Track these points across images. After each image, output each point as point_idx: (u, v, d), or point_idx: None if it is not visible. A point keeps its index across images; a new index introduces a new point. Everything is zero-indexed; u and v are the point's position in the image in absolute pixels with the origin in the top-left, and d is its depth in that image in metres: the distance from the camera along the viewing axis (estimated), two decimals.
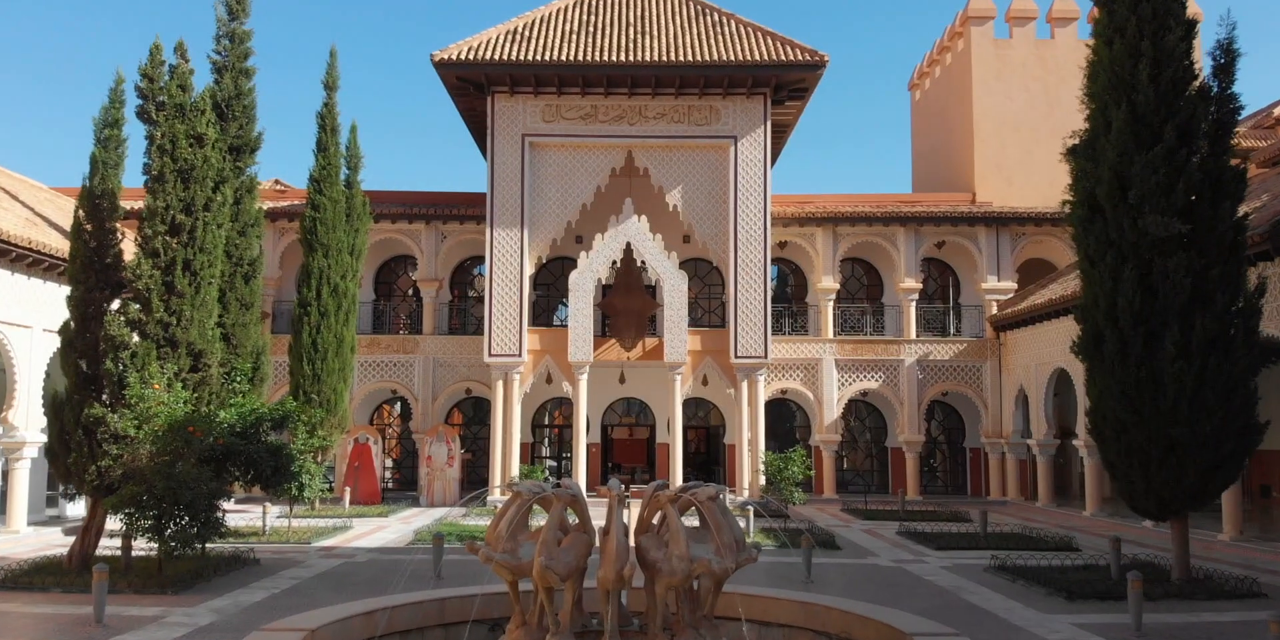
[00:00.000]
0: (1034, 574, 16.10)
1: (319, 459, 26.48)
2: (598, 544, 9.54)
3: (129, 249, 18.61)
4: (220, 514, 15.38)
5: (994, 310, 31.87)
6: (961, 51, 36.59)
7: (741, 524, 23.98)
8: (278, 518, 23.83)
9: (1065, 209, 17.55)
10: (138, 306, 15.79)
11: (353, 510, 26.42)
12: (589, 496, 27.16)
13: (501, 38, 28.94)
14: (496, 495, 27.52)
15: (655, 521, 9.94)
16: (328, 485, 31.98)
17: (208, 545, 16.44)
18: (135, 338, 15.60)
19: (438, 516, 25.86)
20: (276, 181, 37.64)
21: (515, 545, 9.30)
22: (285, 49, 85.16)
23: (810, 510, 26.87)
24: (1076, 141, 17.41)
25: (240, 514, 25.66)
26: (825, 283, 31.77)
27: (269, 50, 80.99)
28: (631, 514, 17.84)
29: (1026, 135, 35.24)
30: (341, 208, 27.04)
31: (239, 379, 18.71)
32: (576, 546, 9.28)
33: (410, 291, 34.19)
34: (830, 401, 31.40)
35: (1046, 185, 34.63)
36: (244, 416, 17.22)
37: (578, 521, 9.81)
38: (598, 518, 9.95)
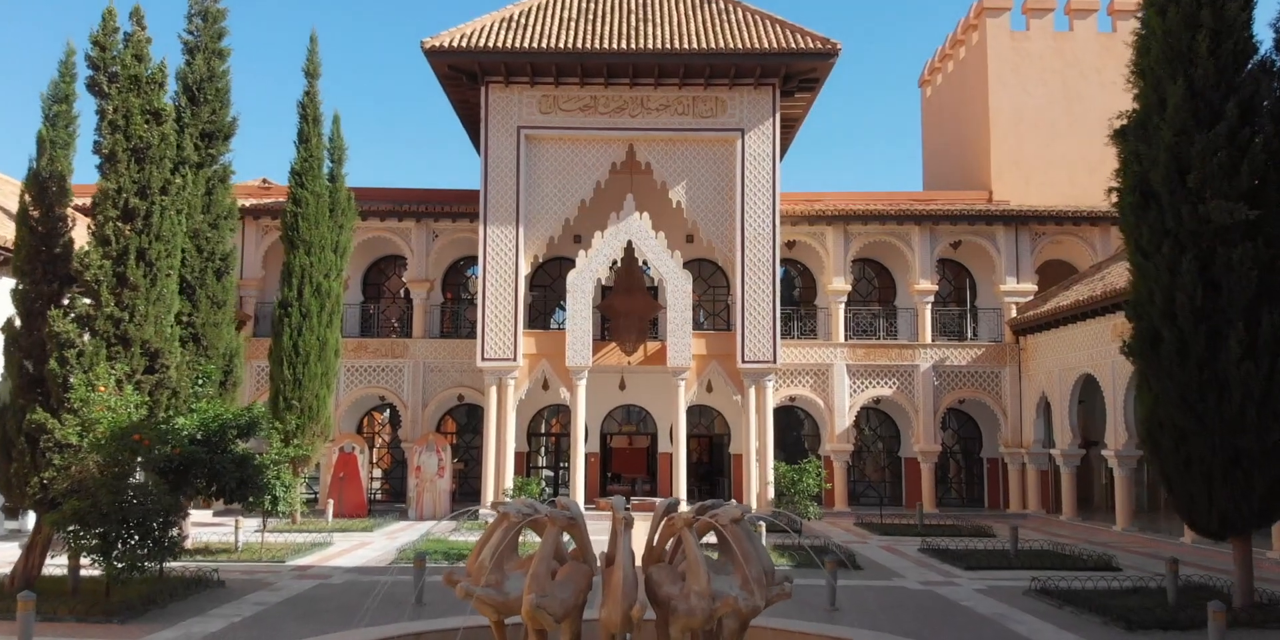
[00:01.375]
0: (1082, 599, 14.52)
1: (299, 470, 24.92)
2: (599, 576, 7.97)
3: (84, 239, 17.02)
4: (176, 532, 13.76)
5: (1013, 313, 30.31)
6: (976, 45, 35.13)
7: None
8: (255, 532, 22.24)
9: (1111, 197, 16.02)
10: (87, 301, 14.21)
11: (336, 524, 24.79)
12: (587, 510, 25.54)
13: (496, 25, 27.43)
14: (489, 508, 25.87)
15: (668, 548, 8.36)
16: (312, 496, 30.45)
17: (169, 564, 14.89)
18: (85, 336, 14.00)
19: (426, 531, 24.23)
20: (264, 180, 36.07)
21: (501, 577, 7.72)
22: (278, 45, 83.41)
23: (822, 525, 25.25)
24: (1124, 122, 15.87)
25: (215, 528, 24.05)
26: (836, 284, 30.20)
27: (261, 48, 79.49)
28: (635, 530, 16.21)
29: (1045, 131, 33.75)
30: (325, 202, 25.47)
31: (201, 382, 17.10)
32: (574, 579, 7.69)
33: (401, 293, 32.62)
34: (841, 409, 29.81)
35: (1066, 183, 33.27)
36: (207, 423, 15.61)
37: (575, 548, 8.23)
38: (598, 533, 8.36)
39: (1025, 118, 33.80)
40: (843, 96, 78.58)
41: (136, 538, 13.01)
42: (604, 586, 7.62)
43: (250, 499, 16.70)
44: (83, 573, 14.35)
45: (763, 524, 19.10)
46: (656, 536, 8.43)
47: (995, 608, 14.37)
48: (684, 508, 8.95)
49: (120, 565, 12.84)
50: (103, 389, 13.02)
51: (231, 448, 16.06)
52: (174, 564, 16.43)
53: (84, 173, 15.28)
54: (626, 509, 8.41)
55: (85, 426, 12.88)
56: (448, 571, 8.14)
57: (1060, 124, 33.77)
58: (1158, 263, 14.34)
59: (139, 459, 13.69)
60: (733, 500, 25.77)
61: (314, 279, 24.97)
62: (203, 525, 24.90)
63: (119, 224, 13.98)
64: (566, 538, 8.28)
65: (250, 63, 78.03)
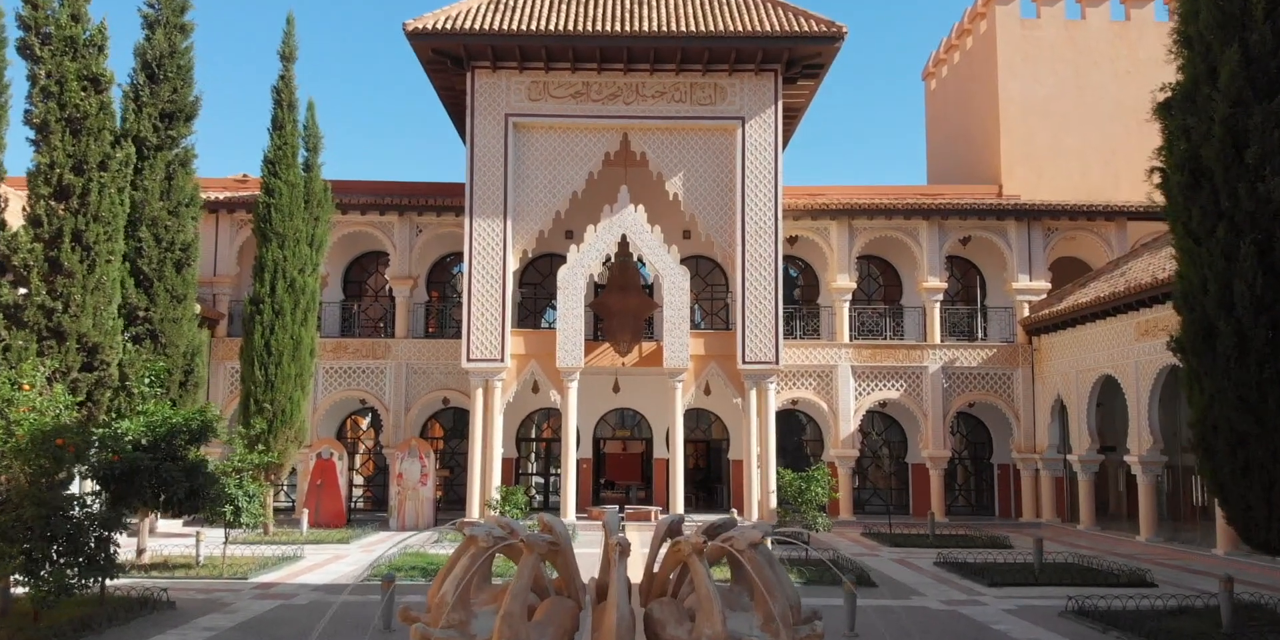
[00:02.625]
0: (1126, 621, 13.06)
1: (272, 477, 23.40)
2: (587, 612, 6.49)
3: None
4: (114, 549, 12.23)
5: (1026, 312, 28.86)
6: (985, 33, 33.74)
7: None
8: (226, 543, 20.71)
9: (1153, 178, 14.57)
10: (20, 290, 12.69)
11: (311, 535, 23.26)
12: (579, 519, 24.04)
13: (483, 7, 25.95)
14: (476, 517, 24.37)
15: (672, 577, 6.87)
16: (290, 504, 28.90)
17: (114, 582, 13.38)
18: (13, 328, 12.48)
19: (405, 543, 22.67)
20: (244, 175, 34.46)
21: (466, 616, 6.23)
22: (262, 38, 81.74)
23: (829, 535, 23.75)
24: (1167, 95, 14.44)
25: (184, 539, 22.46)
26: (840, 281, 28.73)
27: (243, 40, 77.95)
28: (633, 560, 14.68)
29: (1056, 122, 32.33)
30: (300, 193, 24.02)
31: (148, 381, 15.56)
32: (556, 619, 6.20)
33: (385, 290, 31.04)
34: (846, 412, 28.32)
35: (1079, 176, 31.89)
36: (154, 427, 14.08)
37: (557, 577, 6.75)
38: (590, 547, 6.89)
39: (1036, 108, 32.39)
40: (844, 90, 76.61)
41: (67, 555, 11.47)
42: (593, 628, 6.14)
43: (202, 511, 15.12)
44: (16, 591, 12.83)
45: (771, 536, 17.61)
46: (659, 564, 6.94)
47: (1031, 632, 12.90)
48: (689, 526, 7.48)
49: (46, 587, 11.30)
50: (27, 387, 11.49)
51: (183, 454, 14.51)
52: (124, 581, 14.95)
53: (21, 150, 13.79)
54: (621, 526, 6.92)
55: (6, 430, 11.35)
56: (403, 607, 6.64)
57: (1072, 115, 32.37)
58: (1211, 248, 12.92)
59: (79, 467, 12.17)
60: (734, 510, 24.30)
61: (287, 274, 23.51)
62: (170, 536, 23.35)
63: (52, 203, 12.52)
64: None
65: (232, 55, 76.47)
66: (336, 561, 19.32)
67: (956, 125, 36.33)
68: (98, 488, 14.22)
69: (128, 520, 13.18)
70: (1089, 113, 32.45)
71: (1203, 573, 19.13)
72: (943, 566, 19.00)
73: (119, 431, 13.44)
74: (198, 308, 25.46)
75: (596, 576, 7.02)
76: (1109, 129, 32.41)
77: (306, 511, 24.11)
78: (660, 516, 26.33)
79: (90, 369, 12.99)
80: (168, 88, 18.56)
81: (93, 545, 11.91)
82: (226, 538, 17.90)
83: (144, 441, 13.74)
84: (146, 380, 15.24)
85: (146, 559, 18.53)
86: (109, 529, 12.04)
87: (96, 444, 13.02)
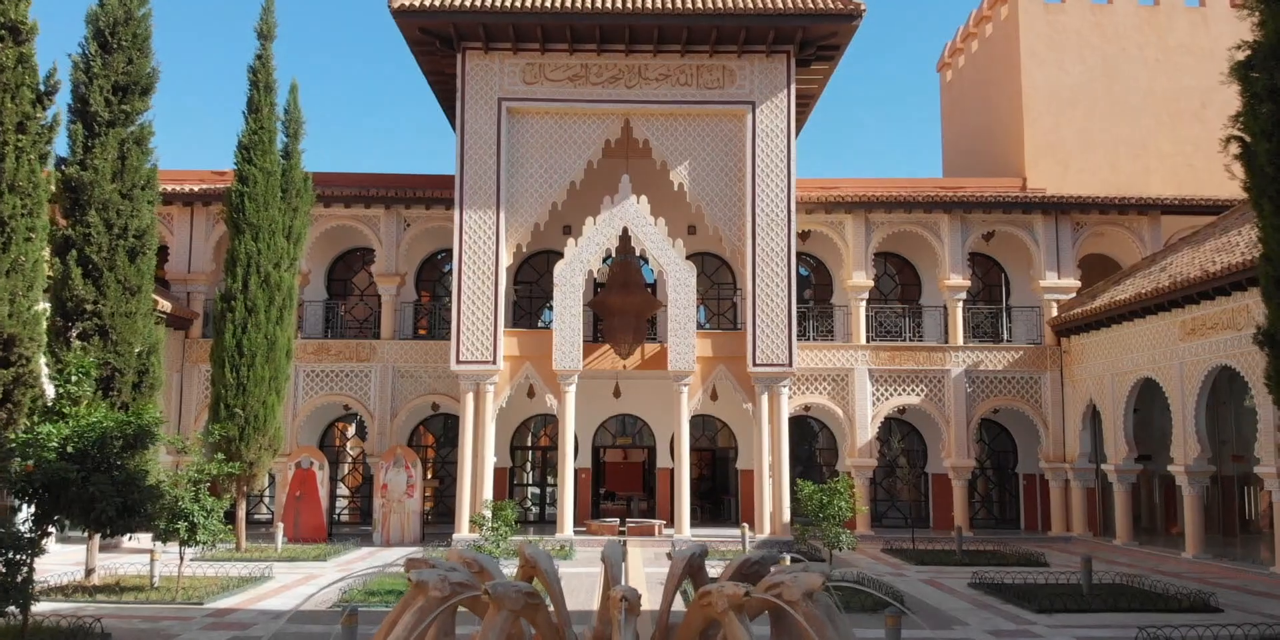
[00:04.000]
0: None
1: (245, 488, 21.60)
2: None
3: None
4: (26, 571, 10.39)
5: (1054, 312, 27.05)
6: (1006, 19, 32.00)
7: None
8: (182, 563, 18.89)
9: (1230, 149, 12.78)
10: None
11: (286, 551, 21.44)
12: (577, 533, 22.18)
13: None
14: (464, 533, 22.52)
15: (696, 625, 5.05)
16: (270, 517, 27.05)
17: (43, 608, 11.59)
18: None
19: (388, 561, 20.85)
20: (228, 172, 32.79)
21: None
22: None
23: (846, 552, 21.88)
24: (1246, 54, 12.66)
25: (140, 555, 20.60)
26: (856, 279, 26.91)
27: (230, 34, 76.05)
28: (631, 564, 12.87)
29: (1082, 113, 30.59)
30: (277, 181, 22.27)
31: (74, 379, 13.73)
32: None
33: (372, 288, 29.18)
34: (863, 419, 26.47)
35: (1108, 169, 30.19)
36: (81, 433, 12.26)
37: (535, 635, 4.93)
38: (588, 565, 5.06)
39: (1061, 98, 30.63)
40: (853, 84, 74.16)
41: None
42: None
43: (139, 530, 13.30)
44: None
45: (786, 558, 15.75)
46: (668, 589, 5.10)
47: None
48: (684, 547, 5.66)
49: None
50: None
51: (119, 464, 12.68)
52: (63, 606, 13.20)
53: None
54: (622, 542, 5.09)
55: None
56: None
57: (1100, 105, 30.62)
58: None
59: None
60: (744, 525, 22.44)
61: (262, 268, 21.74)
62: (138, 552, 21.50)
63: None
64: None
65: (220, 52, 74.75)
66: (308, 583, 17.48)
67: (975, 118, 34.57)
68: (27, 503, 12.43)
69: (48, 541, 11.38)
70: (1117, 103, 30.72)
71: (1266, 594, 17.33)
72: (979, 588, 17.15)
73: (39, 437, 11.63)
74: (167, 305, 23.75)
75: (595, 627, 5.21)
76: (1138, 120, 30.68)
77: (282, 526, 22.25)
78: (663, 530, 24.50)
79: (7, 364, 11.22)
80: (121, 58, 16.77)
81: (3, 569, 10.09)
82: (182, 557, 16.05)
83: (70, 449, 11.96)
84: (74, 378, 13.41)
85: (96, 580, 16.71)
86: (20, 551, 10.21)
87: (17, 452, 11.24)
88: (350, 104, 77.42)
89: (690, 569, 5.52)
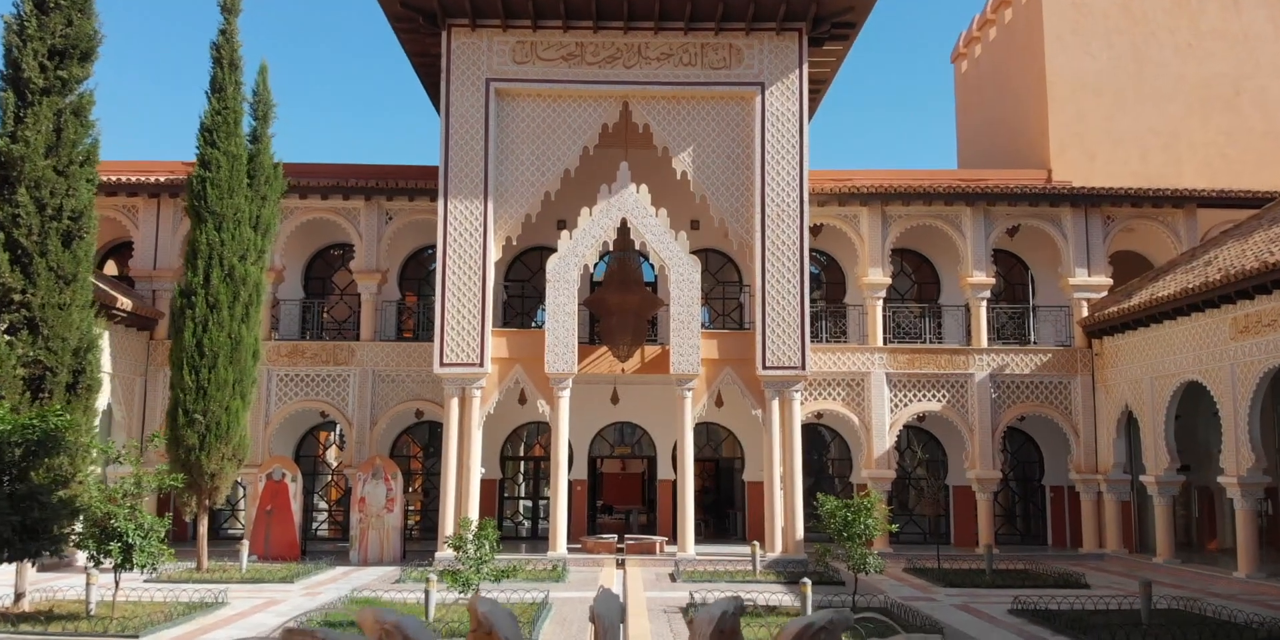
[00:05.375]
0: None
1: (207, 501, 19.69)
2: None
3: None
4: None
5: (1084, 312, 25.16)
6: (1028, 3, 30.17)
7: (790, 600, 16.92)
8: (145, 582, 17.04)
9: None
10: None
11: (252, 571, 19.51)
12: (571, 551, 20.20)
13: None
14: (447, 552, 20.55)
15: None
16: (242, 532, 25.09)
17: None
18: None
19: (362, 583, 18.90)
20: None
21: None
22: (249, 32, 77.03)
23: (875, 576, 19.87)
24: None
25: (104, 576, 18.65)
26: (873, 276, 25.00)
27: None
28: (629, 584, 10.87)
29: (1110, 101, 28.74)
30: (243, 166, 20.40)
31: None
32: None
33: (353, 287, 27.26)
34: (881, 427, 24.53)
35: (1138, 161, 28.32)
36: None
37: None
38: (583, 590, 3.06)
39: (1087, 84, 28.78)
40: (863, 77, 71.76)
41: None
42: None
43: (43, 555, 11.38)
44: None
45: (808, 582, 13.78)
46: None
47: None
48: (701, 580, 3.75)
49: None
50: None
51: (19, 475, 10.77)
52: None
53: None
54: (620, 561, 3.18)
55: None
56: None
57: (1128, 93, 28.79)
58: None
59: None
60: (754, 543, 20.45)
61: (225, 261, 19.87)
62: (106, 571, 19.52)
63: None
64: None
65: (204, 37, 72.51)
66: (267, 609, 15.52)
67: (994, 108, 32.74)
68: None
69: None
70: (1147, 90, 28.88)
71: None
72: (1023, 616, 15.21)
73: None
74: (128, 303, 21.86)
75: None
76: (1169, 109, 28.84)
77: (246, 544, 20.29)
78: (665, 548, 22.54)
79: None
80: (60, 18, 14.91)
81: None
82: (117, 582, 14.08)
83: None
84: None
85: (26, 605, 14.77)
86: None
87: None
88: (334, 97, 74.92)
89: (721, 633, 3.60)
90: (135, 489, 14.15)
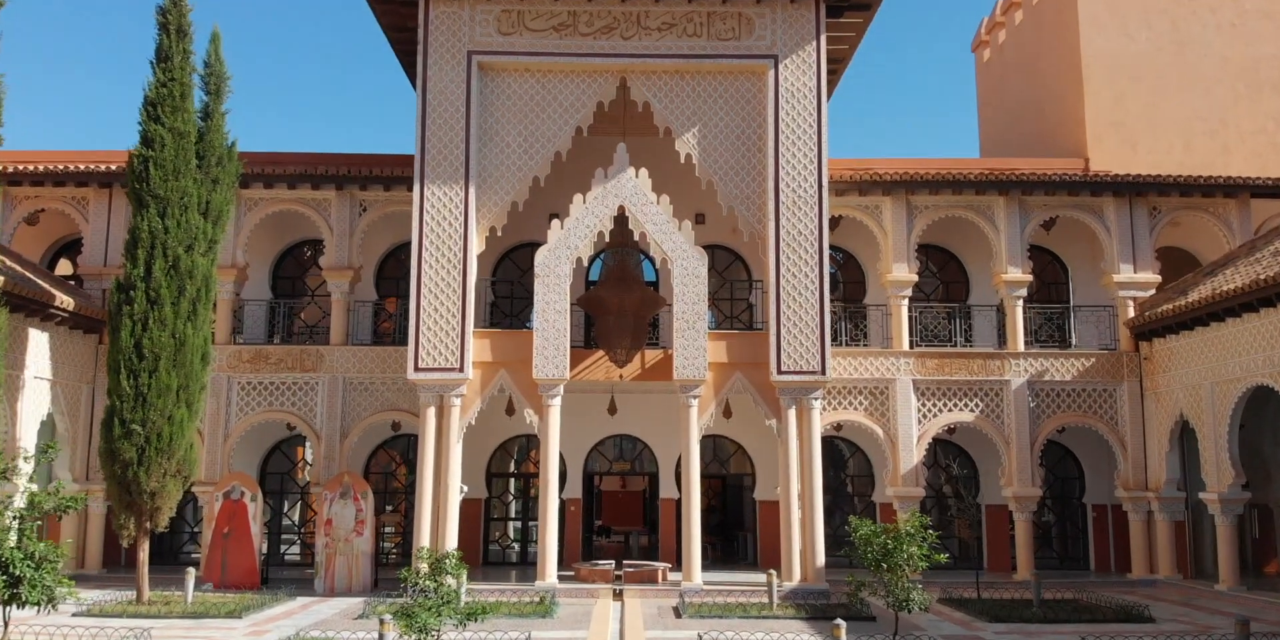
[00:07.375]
0: None
1: (148, 523, 17.30)
2: None
3: None
4: None
5: (1131, 312, 22.79)
6: None
7: None
8: (74, 616, 14.63)
9: None
10: None
11: (198, 604, 17.08)
12: (562, 580, 17.60)
13: None
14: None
15: None
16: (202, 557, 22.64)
17: None
18: None
19: (320, 618, 16.45)
20: None
21: None
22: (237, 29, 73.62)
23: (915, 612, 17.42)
24: None
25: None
26: (897, 272, 22.61)
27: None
28: (627, 620, 8.12)
29: (1151, 85, 26.52)
30: (191, 145, 18.08)
31: None
32: None
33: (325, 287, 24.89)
34: (908, 439, 22.11)
35: (1181, 149, 26.09)
36: None
37: None
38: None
39: (1126, 68, 26.55)
40: (878, 68, 68.93)
41: None
42: None
43: None
44: None
45: (841, 625, 11.31)
46: None
47: None
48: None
49: None
50: None
51: None
52: None
53: None
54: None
55: None
56: None
57: (1170, 76, 26.57)
58: None
59: None
60: (771, 572, 17.99)
61: (170, 251, 17.52)
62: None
63: None
64: None
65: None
66: None
67: (1022, 96, 30.48)
68: None
69: None
70: (1190, 73, 26.66)
71: None
72: None
73: None
74: (69, 301, 19.52)
75: None
76: (1214, 92, 26.61)
77: (193, 572, 17.80)
78: (669, 576, 20.08)
79: None
80: None
81: None
82: (5, 622, 11.63)
83: None
84: None
85: None
86: None
87: None
88: (306, 84, 71.23)
89: None
90: (25, 511, 11.76)
